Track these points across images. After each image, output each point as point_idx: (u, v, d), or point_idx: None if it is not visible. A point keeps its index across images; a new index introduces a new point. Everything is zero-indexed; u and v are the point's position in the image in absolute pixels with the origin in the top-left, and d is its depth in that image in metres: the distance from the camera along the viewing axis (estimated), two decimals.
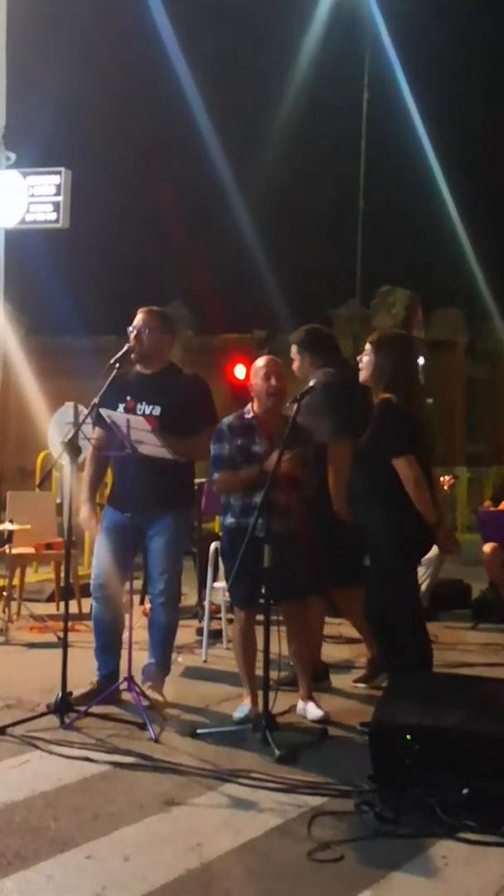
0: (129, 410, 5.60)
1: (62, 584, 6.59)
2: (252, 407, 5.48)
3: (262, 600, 5.18)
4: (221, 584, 6.76)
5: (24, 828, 3.98)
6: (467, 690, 4.76)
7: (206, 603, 7.31)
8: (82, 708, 5.31)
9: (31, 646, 7.25)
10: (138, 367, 5.84)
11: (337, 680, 6.25)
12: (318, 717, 5.37)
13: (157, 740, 4.98)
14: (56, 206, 10.78)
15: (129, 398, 5.67)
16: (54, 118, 17.83)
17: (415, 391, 5.41)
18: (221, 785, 4.46)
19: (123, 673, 5.43)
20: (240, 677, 5.52)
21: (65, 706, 5.26)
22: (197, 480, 6.47)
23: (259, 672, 5.21)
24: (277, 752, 4.75)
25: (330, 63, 21.46)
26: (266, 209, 23.52)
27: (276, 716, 5.12)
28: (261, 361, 5.48)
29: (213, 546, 7.13)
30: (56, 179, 10.78)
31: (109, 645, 5.74)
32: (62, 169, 10.83)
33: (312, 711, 5.41)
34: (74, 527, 5.95)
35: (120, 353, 5.67)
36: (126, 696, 5.46)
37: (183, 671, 6.51)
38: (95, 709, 5.32)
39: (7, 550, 8.11)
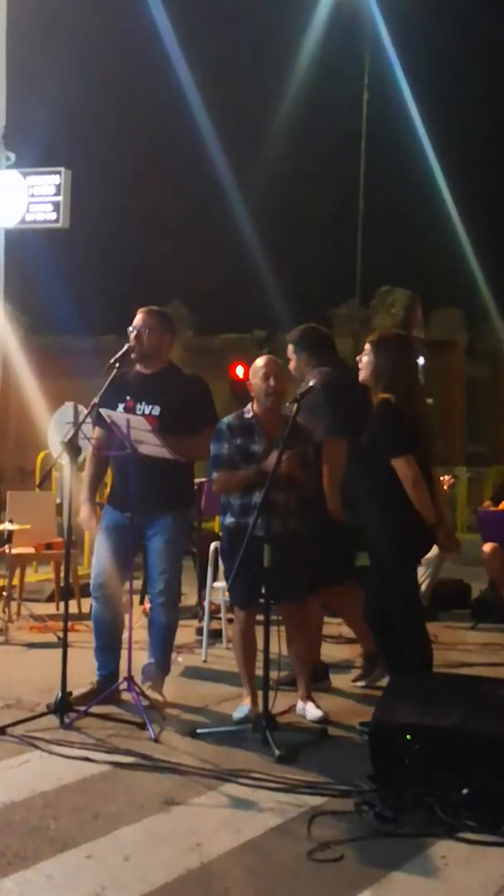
0: (129, 410, 5.60)
1: (62, 584, 6.59)
2: (252, 407, 5.48)
3: (262, 600, 5.19)
4: (221, 584, 6.76)
5: (24, 828, 3.98)
6: (467, 690, 4.76)
7: (205, 603, 7.31)
8: (82, 708, 5.31)
9: (31, 646, 7.25)
10: (138, 367, 5.84)
11: (337, 680, 6.25)
12: (318, 717, 5.37)
13: (156, 740, 4.98)
14: (56, 206, 10.78)
15: (128, 398, 5.67)
16: (54, 118, 17.85)
17: (414, 391, 5.41)
18: (221, 785, 4.46)
19: (123, 673, 5.43)
20: (240, 677, 5.52)
21: (65, 706, 5.25)
22: (197, 480, 6.47)
23: (259, 672, 5.21)
24: (277, 752, 4.75)
25: (330, 63, 21.48)
26: (266, 209, 23.53)
27: (276, 716, 5.12)
28: (260, 361, 5.48)
29: (213, 546, 7.13)
30: (56, 179, 10.78)
31: (109, 645, 5.74)
32: (62, 169, 10.83)
33: (312, 712, 5.41)
34: (74, 527, 5.96)
35: (120, 353, 5.67)
36: (126, 695, 5.46)
37: (183, 671, 6.51)
38: (95, 709, 5.32)
39: (7, 550, 8.10)
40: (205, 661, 6.83)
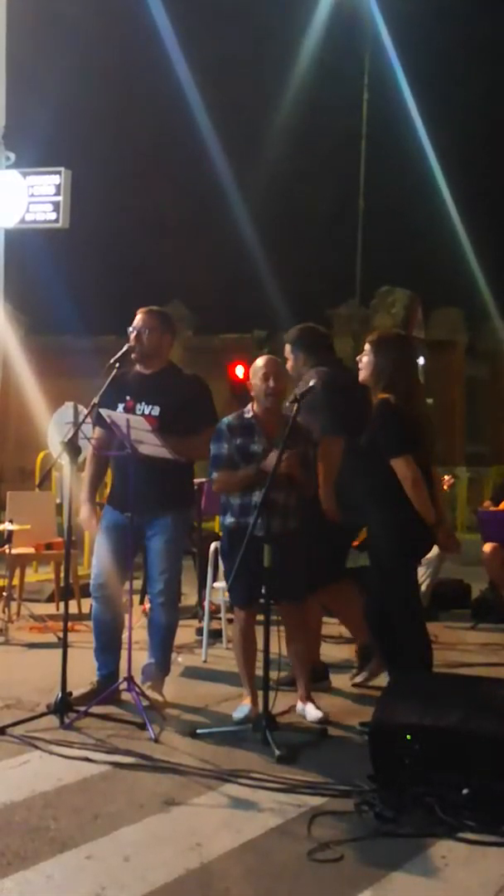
0: (129, 410, 5.60)
1: (62, 584, 6.59)
2: (252, 407, 5.48)
3: (262, 600, 5.19)
4: (221, 584, 6.76)
5: (24, 828, 3.98)
6: (467, 690, 4.76)
7: (205, 603, 7.31)
8: (82, 708, 5.31)
9: (31, 646, 7.25)
10: (138, 367, 5.84)
11: (337, 680, 6.25)
12: (318, 718, 5.37)
13: (156, 740, 4.98)
14: (56, 206, 10.77)
15: (128, 398, 5.67)
16: (54, 118, 17.84)
17: (414, 391, 5.41)
18: (221, 785, 4.46)
19: (123, 673, 5.43)
20: (239, 677, 5.52)
21: (65, 706, 5.25)
22: (197, 480, 6.47)
23: (259, 672, 5.21)
24: (277, 752, 4.75)
25: (330, 63, 21.47)
26: (266, 209, 23.53)
27: (276, 716, 5.12)
28: (260, 361, 5.48)
29: (213, 546, 7.13)
30: (56, 179, 10.77)
31: (109, 645, 5.74)
32: (62, 169, 10.82)
33: (311, 713, 5.41)
34: (74, 527, 5.96)
35: (120, 353, 5.67)
36: (126, 696, 5.46)
37: (183, 671, 6.51)
38: (95, 709, 5.32)
39: (7, 550, 8.10)
40: (205, 662, 6.83)
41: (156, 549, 5.69)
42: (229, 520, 5.44)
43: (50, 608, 8.43)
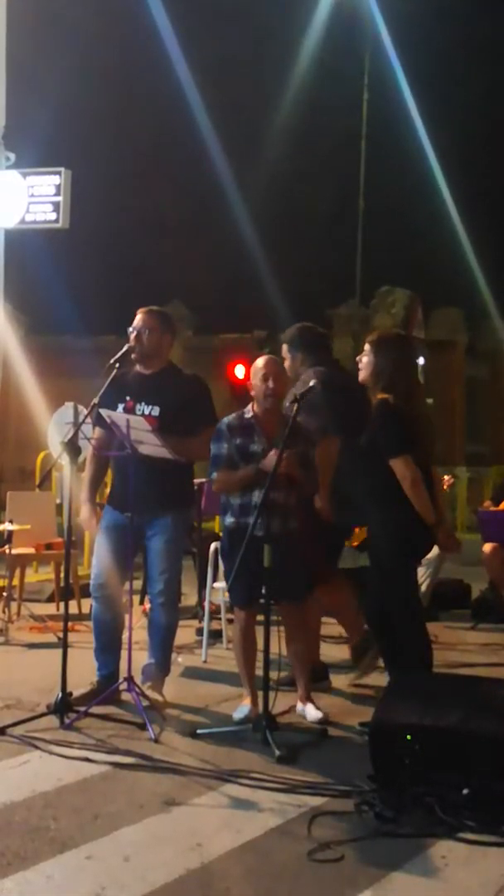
0: (129, 411, 5.60)
1: (62, 584, 6.59)
2: (252, 407, 5.48)
3: (262, 600, 5.19)
4: (221, 584, 6.76)
5: (24, 828, 3.98)
6: (467, 690, 4.77)
7: (206, 603, 7.31)
8: (82, 708, 5.31)
9: (31, 646, 7.25)
10: (138, 368, 5.84)
11: (337, 680, 6.25)
12: (318, 718, 5.37)
13: (156, 740, 4.98)
14: (56, 206, 10.77)
15: (128, 398, 5.67)
16: (54, 118, 17.84)
17: (414, 391, 5.41)
18: (221, 785, 4.46)
19: (123, 673, 5.43)
20: (240, 677, 5.52)
21: (65, 706, 5.26)
22: (197, 480, 6.47)
23: (259, 672, 5.21)
24: (277, 753, 4.75)
25: (330, 63, 21.47)
26: (266, 209, 23.52)
27: (276, 716, 5.12)
28: (260, 362, 5.48)
29: (213, 546, 7.13)
30: (56, 179, 10.77)
31: (109, 645, 5.74)
32: (62, 169, 10.82)
33: (311, 713, 5.41)
34: (74, 527, 5.96)
35: (120, 353, 5.67)
36: (126, 696, 5.46)
37: (183, 671, 6.51)
38: (95, 709, 5.32)
39: (7, 550, 8.10)
40: (205, 662, 6.83)
41: (156, 549, 5.69)
42: (229, 520, 5.44)
43: (50, 608, 8.43)
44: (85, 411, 6.10)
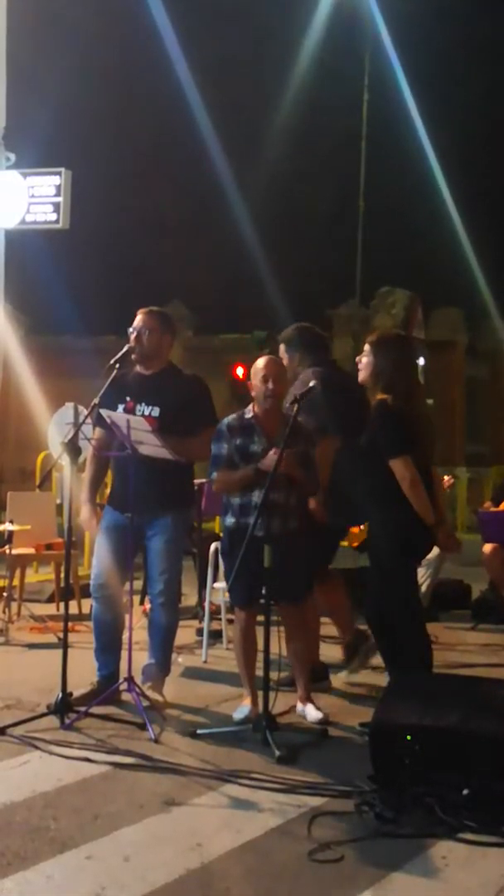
0: (129, 411, 5.60)
1: (62, 584, 6.59)
2: (252, 407, 5.48)
3: (262, 600, 5.19)
4: (221, 584, 6.76)
5: (24, 828, 3.99)
6: (467, 690, 4.77)
7: (206, 603, 7.31)
8: (82, 708, 5.31)
9: (31, 646, 7.25)
10: (138, 368, 5.84)
11: (337, 680, 6.25)
12: (318, 719, 5.37)
13: (157, 740, 4.98)
14: (56, 206, 10.78)
15: (128, 399, 5.68)
16: (54, 118, 17.84)
17: (414, 391, 5.41)
18: (221, 785, 4.46)
19: (123, 673, 5.43)
20: (240, 678, 5.52)
21: (65, 707, 5.26)
22: (197, 481, 6.47)
23: (259, 673, 5.21)
24: (277, 753, 4.75)
25: (330, 63, 21.47)
26: (266, 209, 23.53)
27: (276, 716, 5.12)
28: (260, 363, 5.47)
29: (213, 546, 7.13)
30: (56, 180, 10.78)
31: (109, 645, 5.74)
32: (62, 169, 10.83)
33: (312, 713, 5.41)
34: (74, 527, 5.96)
35: (120, 354, 5.67)
36: (126, 696, 5.46)
37: (183, 671, 6.51)
38: (95, 709, 5.32)
39: (7, 551, 8.10)
40: (205, 662, 6.83)
41: (156, 550, 5.69)
42: (230, 520, 5.45)
43: (50, 608, 8.43)
44: (85, 411, 6.10)
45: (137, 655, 5.52)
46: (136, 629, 5.72)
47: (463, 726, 4.31)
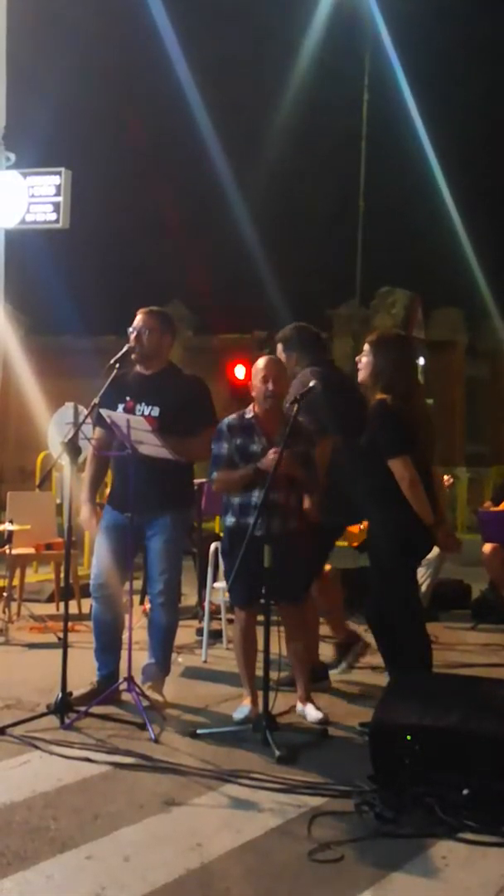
0: (129, 411, 5.60)
1: (62, 584, 6.59)
2: (253, 407, 5.48)
3: (262, 600, 5.19)
4: (221, 584, 6.77)
5: (24, 828, 3.99)
6: (467, 690, 4.77)
7: (206, 603, 7.31)
8: (82, 708, 5.32)
9: (31, 646, 7.25)
10: (138, 368, 5.84)
11: (337, 680, 6.25)
12: (318, 719, 5.37)
13: (157, 740, 4.98)
14: (56, 206, 10.77)
15: (128, 399, 5.68)
16: (54, 118, 17.83)
17: (413, 391, 5.41)
18: (221, 785, 4.46)
19: (123, 673, 5.43)
20: (240, 678, 5.52)
21: (65, 706, 5.26)
22: (197, 481, 6.48)
23: (259, 672, 5.21)
24: (277, 753, 4.75)
25: (330, 63, 21.47)
26: (266, 209, 23.52)
27: (276, 716, 5.12)
28: (261, 363, 5.48)
29: (213, 546, 7.13)
30: (56, 180, 10.78)
31: (109, 645, 5.74)
32: (62, 169, 10.82)
33: (312, 713, 5.41)
34: (74, 527, 5.96)
35: (120, 354, 5.67)
36: (126, 696, 5.46)
37: (183, 671, 6.51)
38: (95, 709, 5.32)
39: (7, 551, 8.10)
40: (205, 662, 6.83)
41: (156, 550, 5.69)
42: (230, 520, 5.45)
43: (50, 608, 8.44)
44: (85, 411, 6.10)
45: (137, 655, 5.52)
46: (136, 629, 5.72)
47: (463, 726, 4.31)
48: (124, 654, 5.46)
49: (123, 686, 5.40)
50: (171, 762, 4.69)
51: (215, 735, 5.10)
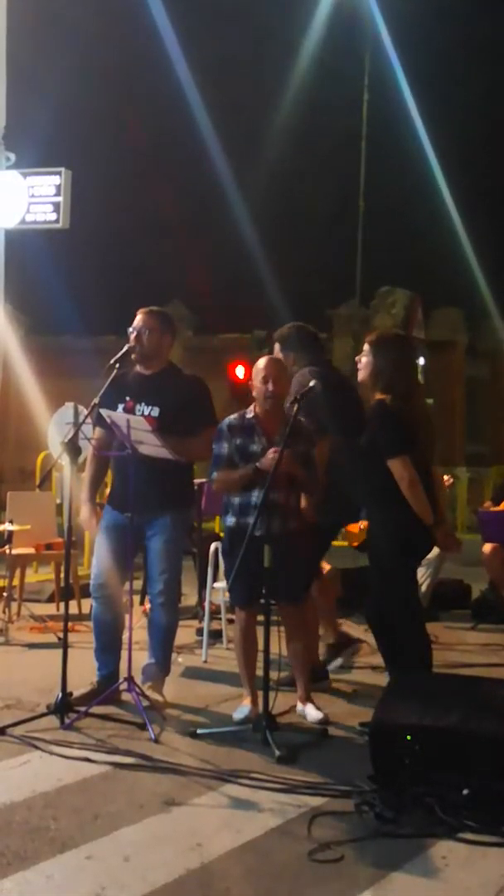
0: (129, 411, 5.60)
1: (62, 584, 6.59)
2: (254, 407, 5.48)
3: (262, 600, 5.19)
4: (221, 584, 6.77)
5: (24, 828, 3.98)
6: (467, 690, 4.77)
7: (206, 603, 7.31)
8: (82, 708, 5.31)
9: (31, 646, 7.25)
10: (138, 368, 5.84)
11: (337, 680, 6.25)
12: (318, 719, 5.37)
13: (157, 740, 4.98)
14: (56, 206, 10.78)
15: (128, 399, 5.68)
16: (54, 118, 17.84)
17: (413, 391, 5.40)
18: (221, 785, 4.46)
19: (123, 673, 5.43)
20: (240, 678, 5.52)
21: (65, 706, 5.26)
22: (197, 480, 6.48)
23: (259, 672, 5.21)
24: (277, 753, 4.75)
25: (330, 63, 21.47)
26: (266, 209, 23.53)
27: (277, 716, 5.12)
28: (261, 363, 5.47)
29: (213, 546, 7.13)
30: (56, 180, 10.78)
31: (109, 645, 5.74)
32: (62, 169, 10.83)
33: (312, 713, 5.41)
34: (74, 527, 5.96)
35: (120, 354, 5.67)
36: (126, 696, 5.46)
37: (183, 671, 6.51)
38: (95, 709, 5.32)
39: (7, 551, 8.10)
40: (205, 662, 6.83)
41: (155, 550, 5.69)
42: (230, 519, 5.45)
43: (50, 608, 8.44)
44: (85, 411, 6.10)
45: (137, 655, 5.52)
46: (136, 629, 5.72)
47: (463, 726, 4.31)
48: (124, 654, 5.46)
49: (123, 686, 5.40)
50: (171, 762, 4.69)
51: (215, 735, 5.10)
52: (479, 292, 24.81)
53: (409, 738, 4.29)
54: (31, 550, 8.37)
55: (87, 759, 4.72)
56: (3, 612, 7.69)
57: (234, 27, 25.09)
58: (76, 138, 20.84)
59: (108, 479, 6.32)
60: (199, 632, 7.31)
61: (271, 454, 5.15)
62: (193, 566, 8.24)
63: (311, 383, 5.48)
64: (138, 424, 5.36)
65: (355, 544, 7.77)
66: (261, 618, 5.20)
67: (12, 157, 11.17)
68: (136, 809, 4.17)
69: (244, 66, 25.44)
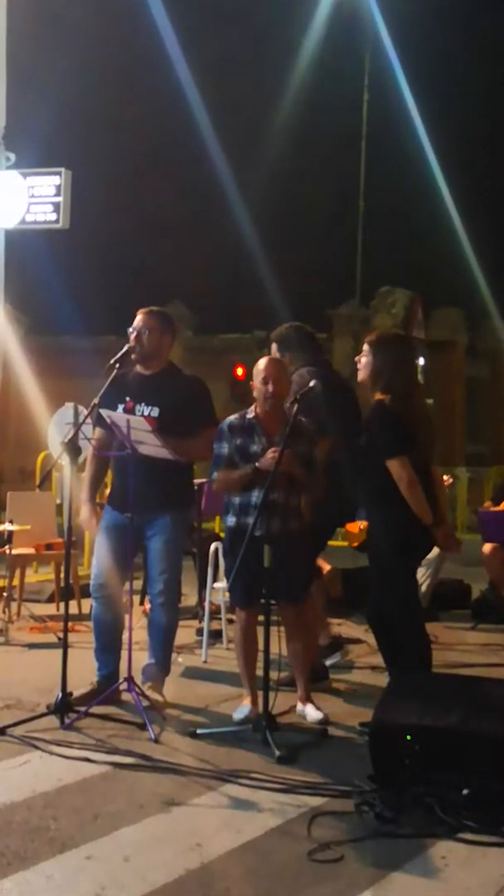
0: (129, 411, 5.60)
1: (62, 584, 6.59)
2: (254, 408, 5.49)
3: (262, 600, 5.19)
4: (221, 584, 6.77)
5: (24, 828, 3.99)
6: (467, 690, 4.77)
7: (206, 603, 7.31)
8: (82, 708, 5.32)
9: (31, 646, 7.25)
10: (138, 368, 5.84)
11: (337, 680, 6.25)
12: (318, 719, 5.37)
13: (156, 740, 4.98)
14: (56, 206, 10.78)
15: (128, 399, 5.68)
16: (54, 118, 17.84)
17: (413, 391, 5.40)
18: (221, 785, 4.46)
19: (123, 673, 5.43)
20: (240, 678, 5.52)
21: (65, 706, 5.26)
22: (197, 480, 6.48)
23: (259, 672, 5.21)
24: (277, 753, 4.75)
25: (330, 63, 21.47)
26: (266, 209, 23.52)
27: (277, 716, 5.12)
28: (261, 364, 5.47)
29: (213, 546, 7.13)
30: (56, 180, 10.78)
31: (109, 645, 5.74)
32: (62, 169, 10.83)
33: (312, 714, 5.41)
34: (74, 527, 5.96)
35: (120, 354, 5.68)
36: (126, 696, 5.46)
37: (183, 671, 6.51)
38: (95, 709, 5.32)
39: (7, 551, 8.10)
40: (205, 662, 6.83)
41: (155, 550, 5.69)
42: (231, 519, 5.45)
43: (50, 608, 8.43)
44: (85, 411, 6.10)
45: (137, 655, 5.52)
46: (136, 629, 5.72)
47: (463, 726, 4.31)
48: (124, 654, 5.46)
49: (123, 686, 5.40)
50: (171, 762, 4.69)
51: (215, 735, 5.10)
52: (479, 292, 24.80)
53: (409, 738, 4.29)
54: (31, 550, 8.37)
55: (87, 759, 4.72)
56: (3, 612, 7.69)
57: (234, 27, 25.10)
58: (76, 138, 20.86)
59: (108, 479, 6.32)
60: (199, 632, 7.31)
61: (271, 454, 5.15)
62: (193, 566, 8.24)
63: (312, 383, 5.48)
64: (138, 424, 5.36)
65: (355, 544, 7.76)
66: (261, 618, 5.20)
67: (12, 157, 11.17)
68: (136, 809, 4.17)
69: (244, 66, 25.46)
